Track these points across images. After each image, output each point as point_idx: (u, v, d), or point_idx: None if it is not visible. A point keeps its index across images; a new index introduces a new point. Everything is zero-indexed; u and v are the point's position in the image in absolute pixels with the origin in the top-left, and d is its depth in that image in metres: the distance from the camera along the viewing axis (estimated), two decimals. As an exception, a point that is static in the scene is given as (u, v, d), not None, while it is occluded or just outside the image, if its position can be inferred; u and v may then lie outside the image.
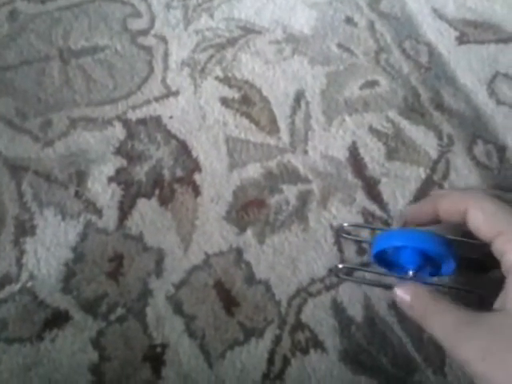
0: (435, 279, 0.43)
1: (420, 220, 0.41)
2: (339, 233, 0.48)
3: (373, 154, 0.53)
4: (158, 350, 0.44)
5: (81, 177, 0.51)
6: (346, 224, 0.49)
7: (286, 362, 0.44)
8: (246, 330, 0.45)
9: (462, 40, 0.61)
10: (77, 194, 0.50)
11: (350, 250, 0.48)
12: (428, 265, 0.41)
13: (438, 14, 0.63)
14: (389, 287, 0.44)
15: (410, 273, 0.40)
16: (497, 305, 0.32)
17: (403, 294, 0.37)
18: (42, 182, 0.51)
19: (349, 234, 0.49)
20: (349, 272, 0.47)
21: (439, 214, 0.39)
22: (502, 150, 0.54)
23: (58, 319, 0.45)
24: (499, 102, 0.57)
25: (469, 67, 0.59)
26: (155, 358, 0.44)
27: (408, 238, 0.39)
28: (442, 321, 0.32)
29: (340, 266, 0.47)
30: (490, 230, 0.33)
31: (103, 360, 0.44)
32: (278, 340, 0.45)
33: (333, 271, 0.47)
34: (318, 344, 0.45)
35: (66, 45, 0.59)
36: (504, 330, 0.29)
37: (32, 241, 0.48)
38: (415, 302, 0.36)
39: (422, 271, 0.41)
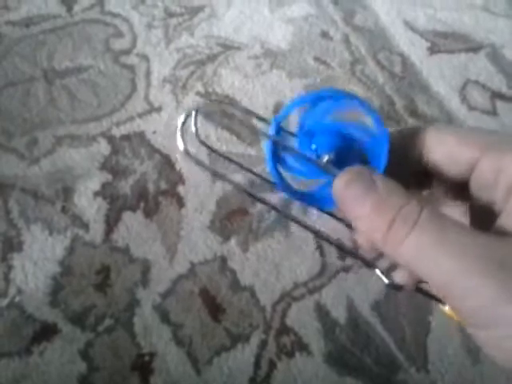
0: None
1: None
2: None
3: (351, 161, 0.55)
4: (146, 358, 0.45)
5: (67, 192, 0.52)
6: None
7: (272, 365, 0.45)
8: (233, 335, 0.46)
9: (433, 50, 0.64)
10: (63, 210, 0.51)
11: (332, 255, 0.50)
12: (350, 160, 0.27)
13: (410, 26, 0.65)
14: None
15: (326, 158, 0.27)
16: (501, 227, 0.22)
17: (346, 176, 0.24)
18: (29, 198, 0.52)
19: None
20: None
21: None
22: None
23: (47, 332, 0.46)
24: (470, 108, 0.59)
25: (441, 75, 0.62)
26: (143, 366, 0.44)
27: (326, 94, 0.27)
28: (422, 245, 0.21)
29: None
30: (471, 149, 0.24)
31: (92, 371, 0.44)
32: (263, 344, 0.46)
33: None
34: (303, 347, 0.46)
35: (50, 66, 0.61)
36: None
37: (19, 256, 0.49)
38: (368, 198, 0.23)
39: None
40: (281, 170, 0.29)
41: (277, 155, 0.29)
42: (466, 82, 0.61)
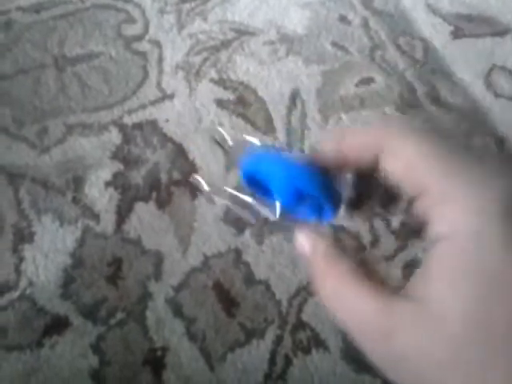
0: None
1: (323, 161, 0.27)
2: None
3: (370, 150, 0.53)
4: (159, 353, 0.44)
5: (78, 182, 0.51)
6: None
7: (287, 361, 0.43)
8: (247, 330, 0.45)
9: (456, 34, 0.61)
10: (74, 200, 0.50)
11: (350, 249, 0.48)
12: (308, 202, 0.30)
13: (432, 9, 0.63)
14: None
15: (277, 206, 0.29)
16: (413, 289, 0.21)
17: (303, 241, 0.26)
18: (40, 188, 0.51)
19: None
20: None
21: (345, 157, 0.26)
22: (500, 141, 0.53)
23: (58, 325, 0.45)
24: (497, 95, 0.56)
25: (465, 61, 0.59)
26: (156, 361, 0.43)
27: (277, 164, 0.29)
28: (342, 303, 0.22)
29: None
30: (411, 185, 0.22)
31: (103, 365, 0.43)
32: (279, 340, 0.44)
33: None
34: (320, 343, 0.44)
35: (61, 53, 0.59)
36: (426, 327, 0.19)
37: (30, 248, 0.48)
38: (313, 258, 0.25)
39: (299, 207, 0.30)
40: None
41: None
42: (492, 67, 0.59)
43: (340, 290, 0.22)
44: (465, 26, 0.62)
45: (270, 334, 0.44)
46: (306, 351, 0.44)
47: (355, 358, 0.43)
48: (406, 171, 0.22)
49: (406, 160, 0.22)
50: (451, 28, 0.62)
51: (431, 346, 0.18)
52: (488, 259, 0.19)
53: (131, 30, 0.62)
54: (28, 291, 0.46)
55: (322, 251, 0.24)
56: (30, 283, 0.46)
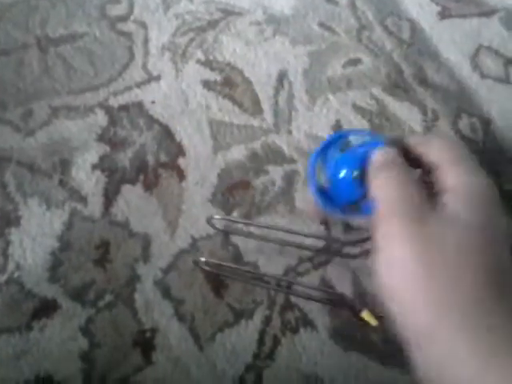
0: None
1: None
2: (209, 223, 0.48)
3: (357, 131, 0.53)
4: (148, 334, 0.44)
5: (64, 165, 0.51)
6: (216, 216, 0.47)
7: (276, 341, 0.44)
8: (236, 311, 0.45)
9: (443, 14, 0.61)
10: (61, 183, 0.50)
11: (337, 229, 0.48)
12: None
13: (420, -11, 0.63)
14: (269, 240, 0.46)
15: (355, 173, 0.34)
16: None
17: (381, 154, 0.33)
18: (26, 171, 0.50)
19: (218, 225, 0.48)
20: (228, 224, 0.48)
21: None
22: (486, 122, 0.54)
23: (47, 308, 0.45)
24: (483, 76, 0.56)
25: (452, 41, 0.59)
26: (145, 342, 0.44)
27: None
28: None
29: (216, 217, 0.47)
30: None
31: (93, 347, 0.43)
32: (267, 320, 0.45)
33: (208, 223, 0.47)
34: (308, 323, 0.45)
35: (43, 33, 0.58)
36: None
37: (17, 231, 0.48)
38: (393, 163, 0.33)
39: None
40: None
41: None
42: (479, 48, 0.59)
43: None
44: (452, 6, 0.61)
45: (259, 315, 0.45)
46: (295, 331, 0.44)
47: (343, 336, 0.44)
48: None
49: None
50: (438, 8, 0.61)
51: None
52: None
53: (116, 10, 0.61)
54: (16, 275, 0.46)
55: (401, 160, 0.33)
56: (18, 267, 0.46)
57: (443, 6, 0.62)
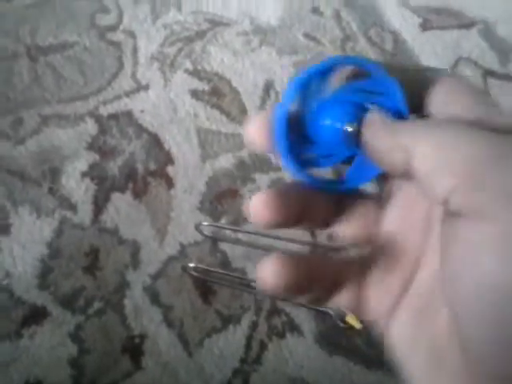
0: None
1: None
2: (198, 229, 0.49)
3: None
4: (137, 340, 0.45)
5: (54, 173, 0.51)
6: (204, 223, 0.49)
7: (263, 346, 0.45)
8: (223, 317, 0.46)
9: (425, 26, 0.63)
10: (51, 191, 0.50)
11: (322, 236, 0.50)
12: None
13: (402, 2, 0.64)
14: (256, 247, 0.45)
15: (348, 129, 0.23)
16: None
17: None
18: (16, 180, 0.51)
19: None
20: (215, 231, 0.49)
21: None
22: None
23: (36, 315, 0.45)
24: (463, 86, 0.58)
25: (433, 52, 0.61)
26: (134, 348, 0.44)
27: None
28: None
29: (205, 223, 0.48)
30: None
31: (82, 353, 0.44)
32: (254, 326, 0.46)
33: (197, 229, 0.49)
34: (294, 328, 0.46)
35: (33, 42, 0.59)
36: None
37: (7, 240, 0.48)
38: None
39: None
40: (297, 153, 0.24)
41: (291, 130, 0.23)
42: (458, 59, 0.61)
43: None
44: (433, 18, 0.63)
45: (246, 320, 0.46)
46: (281, 336, 0.45)
47: (328, 341, 0.45)
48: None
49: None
50: (420, 20, 0.63)
51: None
52: None
53: (105, 20, 0.62)
54: (5, 282, 0.46)
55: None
56: (8, 274, 0.47)
57: (425, 18, 0.63)
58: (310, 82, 0.23)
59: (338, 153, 0.24)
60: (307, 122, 0.24)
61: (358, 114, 0.24)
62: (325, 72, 0.23)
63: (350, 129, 0.23)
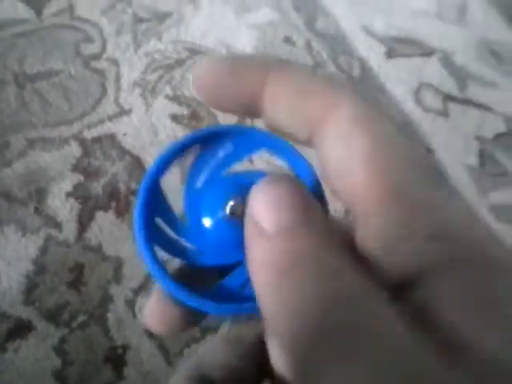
0: None
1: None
2: None
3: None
4: (120, 351, 0.47)
5: (40, 194, 0.54)
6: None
7: (239, 354, 0.47)
8: (202, 328, 0.48)
9: (390, 54, 0.67)
10: (37, 210, 0.53)
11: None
12: None
13: (368, 32, 0.69)
14: None
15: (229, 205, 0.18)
16: None
17: None
18: (2, 200, 0.53)
19: None
20: None
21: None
22: (430, 151, 0.60)
23: (21, 329, 0.47)
24: (425, 109, 0.63)
25: (397, 78, 0.65)
26: (117, 358, 0.46)
27: None
28: None
29: None
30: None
31: (66, 365, 0.46)
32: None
33: None
34: (269, 336, 0.48)
35: (21, 70, 0.62)
36: None
37: (-7, 257, 0.50)
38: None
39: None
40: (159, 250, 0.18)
41: (152, 224, 0.18)
42: (421, 84, 0.65)
43: None
44: (397, 47, 0.68)
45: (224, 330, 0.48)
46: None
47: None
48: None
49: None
50: (385, 49, 0.68)
51: None
52: None
53: (89, 49, 0.65)
54: (-9, 298, 0.48)
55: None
56: (-6, 290, 0.49)
57: (390, 47, 0.68)
58: (172, 159, 0.19)
59: (219, 251, 0.18)
60: (186, 204, 0.19)
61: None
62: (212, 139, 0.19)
63: (231, 207, 0.17)
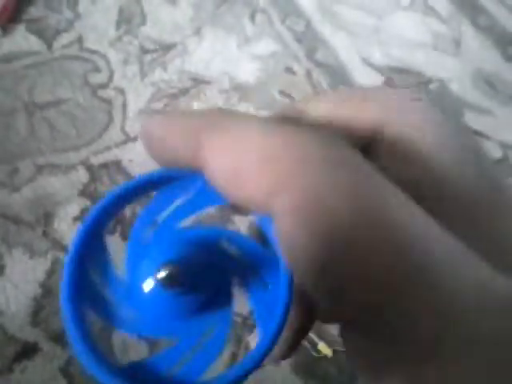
0: None
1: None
2: None
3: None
4: (124, 372, 0.47)
5: (48, 218, 0.55)
6: None
7: (242, 376, 0.48)
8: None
9: (388, 84, 0.70)
10: (44, 234, 0.54)
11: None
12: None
13: (367, 62, 0.71)
14: None
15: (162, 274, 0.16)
16: None
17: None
18: (11, 224, 0.54)
19: None
20: None
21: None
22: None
23: (28, 351, 0.48)
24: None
25: (395, 107, 0.67)
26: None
27: None
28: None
29: None
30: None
31: (72, 386, 0.47)
32: (234, 357, 0.49)
33: None
34: (272, 358, 0.49)
35: (31, 99, 0.64)
36: None
37: (1, 280, 0.51)
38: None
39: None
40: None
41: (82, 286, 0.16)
42: (418, 112, 0.67)
43: None
44: (395, 76, 0.70)
45: (227, 352, 0.49)
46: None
47: (304, 370, 0.48)
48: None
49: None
50: (383, 78, 0.70)
51: None
52: None
53: (97, 79, 0.67)
54: (-1, 320, 0.49)
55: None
56: (1, 313, 0.49)
57: (387, 77, 0.70)
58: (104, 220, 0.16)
59: (156, 322, 0.16)
60: (128, 262, 0.17)
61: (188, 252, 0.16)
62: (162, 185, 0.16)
63: (163, 274, 0.15)
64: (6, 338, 0.48)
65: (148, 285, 0.15)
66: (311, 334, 0.49)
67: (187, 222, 0.17)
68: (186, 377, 0.14)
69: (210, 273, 0.16)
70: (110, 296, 0.16)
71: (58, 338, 0.49)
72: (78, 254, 0.15)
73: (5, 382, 0.46)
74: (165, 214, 0.16)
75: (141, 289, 0.16)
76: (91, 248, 0.16)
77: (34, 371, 0.47)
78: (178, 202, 0.16)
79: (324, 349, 0.47)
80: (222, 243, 0.17)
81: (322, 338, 0.49)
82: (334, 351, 0.47)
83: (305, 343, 0.49)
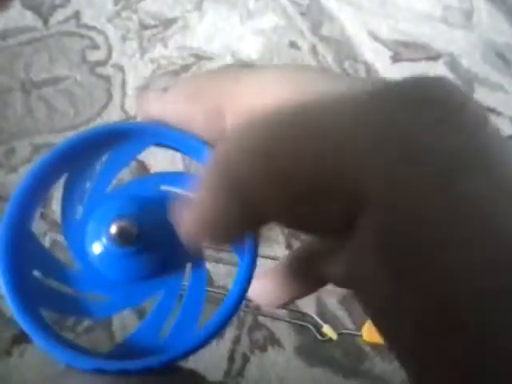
0: None
1: None
2: None
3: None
4: (124, 356, 0.46)
5: (45, 199, 0.54)
6: None
7: (245, 359, 0.47)
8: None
9: (395, 58, 0.67)
10: (42, 216, 0.53)
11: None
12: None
13: (373, 36, 0.69)
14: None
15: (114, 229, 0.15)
16: None
17: None
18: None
19: None
20: None
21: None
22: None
23: (26, 335, 0.47)
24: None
25: (403, 83, 0.65)
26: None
27: None
28: None
29: None
30: None
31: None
32: (237, 340, 0.48)
33: None
34: (275, 341, 0.48)
35: (27, 77, 0.62)
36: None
37: (-1, 262, 0.50)
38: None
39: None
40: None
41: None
42: (427, 88, 0.65)
43: None
44: (402, 51, 0.68)
45: (229, 335, 0.48)
46: (263, 349, 0.47)
47: (307, 353, 0.47)
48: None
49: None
50: (390, 53, 0.68)
51: None
52: None
53: (95, 56, 0.65)
54: (-4, 303, 0.48)
55: None
56: (-1, 296, 0.48)
57: (395, 51, 0.68)
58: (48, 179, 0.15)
59: (125, 293, 0.15)
60: (69, 245, 0.16)
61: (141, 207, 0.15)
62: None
63: (115, 229, 0.14)
64: (4, 321, 0.47)
65: (99, 245, 0.14)
66: (315, 317, 0.48)
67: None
68: (173, 340, 0.14)
69: (163, 225, 0.15)
70: (63, 286, 0.15)
71: (57, 322, 0.48)
72: (6, 254, 0.14)
73: (3, 365, 0.46)
74: (90, 182, 0.15)
75: (94, 266, 0.15)
76: (22, 244, 0.14)
77: (33, 355, 0.46)
78: (101, 165, 0.16)
79: (329, 331, 0.46)
80: (163, 188, 0.16)
81: (326, 321, 0.47)
82: (339, 334, 0.46)
83: (309, 326, 0.48)
